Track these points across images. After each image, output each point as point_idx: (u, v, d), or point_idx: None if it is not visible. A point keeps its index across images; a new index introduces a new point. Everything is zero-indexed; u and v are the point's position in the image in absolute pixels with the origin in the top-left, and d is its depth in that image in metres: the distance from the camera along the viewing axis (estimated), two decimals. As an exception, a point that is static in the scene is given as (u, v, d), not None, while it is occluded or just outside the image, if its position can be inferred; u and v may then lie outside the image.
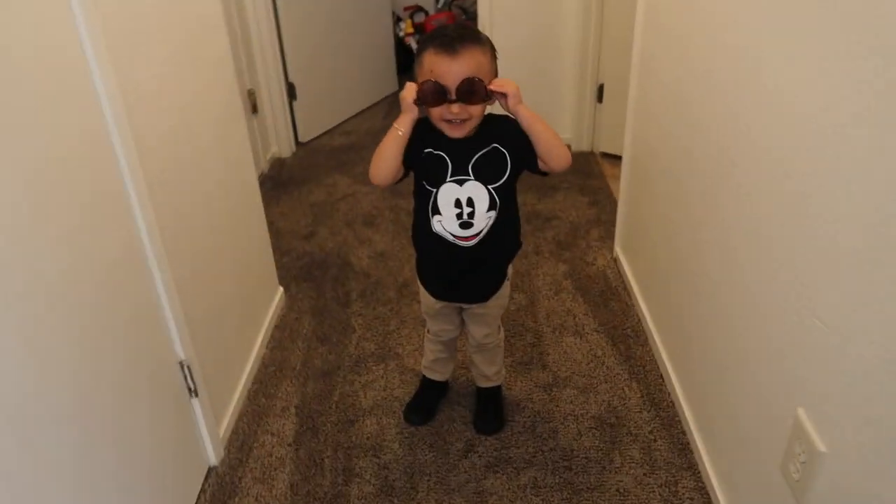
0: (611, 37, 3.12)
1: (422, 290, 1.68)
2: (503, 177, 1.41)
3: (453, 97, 1.28)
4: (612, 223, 2.74)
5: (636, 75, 2.16)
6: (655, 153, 2.00)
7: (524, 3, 3.21)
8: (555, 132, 1.38)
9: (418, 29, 4.74)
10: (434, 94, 1.29)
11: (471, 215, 1.41)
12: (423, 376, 1.92)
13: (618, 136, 3.28)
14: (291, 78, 3.56)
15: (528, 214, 2.88)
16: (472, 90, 1.28)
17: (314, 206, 3.09)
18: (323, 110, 3.86)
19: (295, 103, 3.63)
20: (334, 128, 3.98)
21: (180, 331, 1.51)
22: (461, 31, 1.31)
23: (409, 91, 1.31)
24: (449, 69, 1.27)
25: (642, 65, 2.12)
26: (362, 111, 4.18)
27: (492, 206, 1.41)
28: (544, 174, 1.44)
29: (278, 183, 3.35)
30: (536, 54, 3.32)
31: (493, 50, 1.35)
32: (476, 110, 1.32)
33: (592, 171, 3.25)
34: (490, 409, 1.84)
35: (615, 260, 2.52)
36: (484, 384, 1.85)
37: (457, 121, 1.32)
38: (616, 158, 3.33)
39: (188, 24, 1.67)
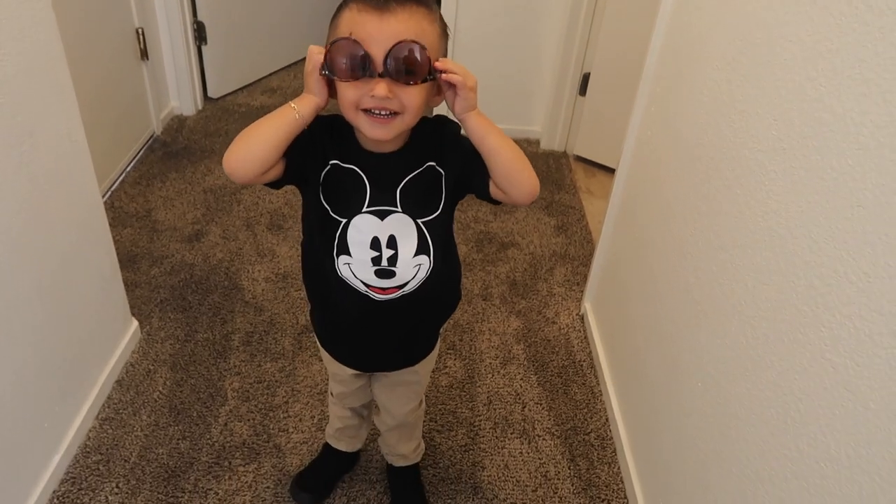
0: (609, 16, 2.47)
1: (322, 349, 1.21)
2: (437, 209, 0.97)
3: (379, 70, 0.81)
4: (583, 261, 2.19)
5: (651, 76, 1.54)
6: (662, 186, 1.42)
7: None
8: (518, 151, 0.90)
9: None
10: (349, 60, 0.81)
11: (392, 260, 0.97)
12: (326, 443, 1.45)
13: (597, 138, 2.72)
14: (201, 16, 2.79)
15: (479, 237, 2.28)
16: (410, 61, 0.81)
17: (210, 194, 2.40)
18: (242, 59, 3.10)
19: (205, 48, 2.88)
20: (255, 83, 3.23)
21: None
22: None
23: (315, 56, 0.84)
24: (377, 30, 0.80)
25: (663, 65, 1.51)
26: (293, 64, 3.42)
27: (421, 249, 0.97)
28: (497, 202, 0.97)
29: (171, 153, 2.64)
30: (509, 24, 2.65)
31: (443, 23, 0.88)
32: (412, 99, 0.84)
33: (563, 181, 2.65)
34: (409, 496, 1.44)
35: (582, 319, 1.97)
36: (400, 464, 1.41)
37: (381, 112, 0.84)
38: (592, 165, 2.76)
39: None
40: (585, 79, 2.65)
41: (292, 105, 0.86)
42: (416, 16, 0.82)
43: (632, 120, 1.62)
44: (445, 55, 0.88)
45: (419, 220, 0.96)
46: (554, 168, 2.75)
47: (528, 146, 2.88)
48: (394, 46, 0.79)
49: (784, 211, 0.93)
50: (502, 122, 2.73)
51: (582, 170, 2.76)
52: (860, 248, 0.76)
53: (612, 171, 2.52)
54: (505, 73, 2.76)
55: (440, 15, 0.86)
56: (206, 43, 2.86)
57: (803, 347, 0.87)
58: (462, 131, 0.93)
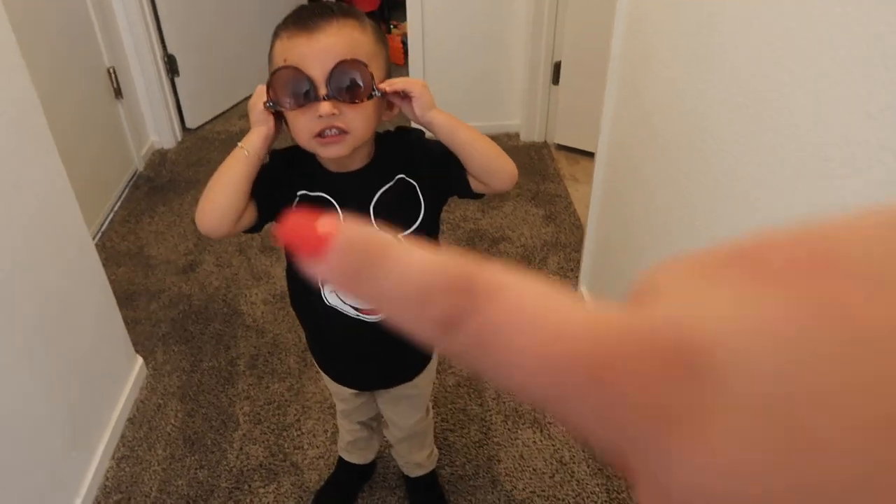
0: (574, 2, 2.50)
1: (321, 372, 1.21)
2: (416, 220, 0.95)
3: (323, 93, 0.80)
4: (574, 247, 2.21)
5: (619, 58, 1.56)
6: (641, 164, 1.44)
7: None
8: (488, 140, 0.92)
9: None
10: (291, 87, 0.81)
11: None
12: (340, 458, 1.46)
13: (576, 125, 2.74)
14: (171, 48, 2.81)
15: (471, 234, 2.31)
16: (352, 80, 0.80)
17: (199, 223, 2.42)
18: (215, 87, 3.12)
19: (178, 80, 2.90)
20: (231, 108, 3.24)
21: None
22: (326, 5, 0.84)
23: (260, 94, 0.86)
24: (310, 49, 0.80)
25: (629, 46, 1.53)
26: (268, 85, 3.44)
27: None
28: (480, 196, 0.97)
29: (156, 187, 2.65)
30: (479, 22, 2.68)
31: (376, 30, 0.87)
32: (359, 115, 0.84)
33: (547, 171, 2.68)
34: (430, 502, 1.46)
35: (580, 303, 1.99)
36: (416, 473, 1.42)
37: (330, 131, 0.83)
38: (574, 152, 2.78)
39: None
40: (557, 67, 2.68)
41: (239, 144, 0.87)
42: (346, 28, 0.81)
43: (605, 103, 1.64)
44: (387, 59, 0.89)
45: (399, 235, 0.94)
46: (536, 159, 2.77)
47: (508, 140, 2.90)
48: (333, 70, 0.79)
49: (752, 172, 0.95)
50: (479, 119, 2.78)
51: (564, 157, 2.78)
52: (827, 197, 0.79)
53: (594, 155, 2.55)
54: (477, 71, 2.78)
55: (371, 23, 0.86)
56: (178, 75, 2.88)
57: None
58: (427, 135, 0.93)
